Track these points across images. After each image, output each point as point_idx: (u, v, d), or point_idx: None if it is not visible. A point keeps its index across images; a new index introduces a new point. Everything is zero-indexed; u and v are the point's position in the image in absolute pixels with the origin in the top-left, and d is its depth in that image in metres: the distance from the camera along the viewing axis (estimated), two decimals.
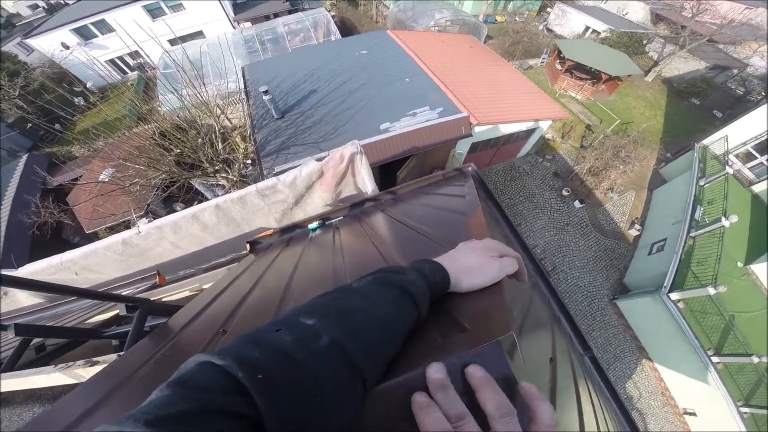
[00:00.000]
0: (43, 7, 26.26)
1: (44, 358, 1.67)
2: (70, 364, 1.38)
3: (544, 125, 12.66)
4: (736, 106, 18.24)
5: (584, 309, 11.40)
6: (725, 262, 9.95)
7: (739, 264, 10.54)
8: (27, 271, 2.61)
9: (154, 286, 2.57)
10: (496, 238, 2.12)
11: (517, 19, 25.71)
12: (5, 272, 2.47)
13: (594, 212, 13.42)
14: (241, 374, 0.37)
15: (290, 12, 20.77)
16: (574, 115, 16.57)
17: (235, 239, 2.94)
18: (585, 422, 1.34)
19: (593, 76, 17.54)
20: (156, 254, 2.85)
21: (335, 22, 18.54)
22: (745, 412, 8.60)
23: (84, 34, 18.66)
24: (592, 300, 11.56)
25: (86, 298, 2.11)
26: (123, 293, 2.60)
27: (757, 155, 12.35)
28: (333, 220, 2.29)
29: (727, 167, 11.51)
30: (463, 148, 11.37)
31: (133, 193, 8.17)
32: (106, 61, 19.79)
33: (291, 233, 2.37)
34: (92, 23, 18.26)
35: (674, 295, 9.41)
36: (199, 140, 7.56)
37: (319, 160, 2.50)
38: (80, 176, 11.13)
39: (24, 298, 2.99)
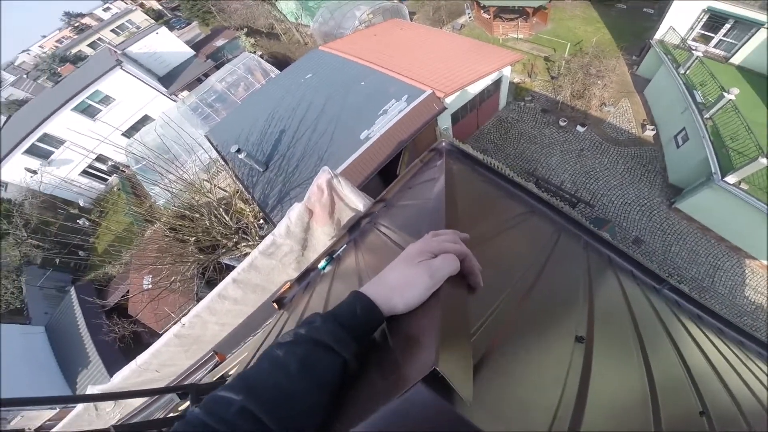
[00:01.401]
0: None
1: None
2: None
3: (507, 72, 12.60)
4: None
5: (647, 225, 10.67)
6: (758, 131, 9.24)
7: None
8: (118, 379, 2.86)
9: (217, 365, 2.83)
10: (493, 201, 2.09)
11: None
12: (91, 388, 2.78)
13: (601, 129, 13.11)
14: None
15: (217, 68, 20.34)
16: (527, 53, 16.43)
17: (268, 301, 3.04)
18: (653, 365, 1.27)
19: (520, 13, 17.49)
20: (210, 336, 3.02)
21: (266, 60, 18.52)
22: None
23: (38, 153, 17.85)
24: (651, 213, 10.86)
25: (143, 396, 2.35)
26: (197, 377, 2.88)
27: (711, 34, 12.32)
28: (338, 251, 2.34)
29: (693, 52, 11.31)
30: (445, 122, 11.33)
31: (176, 289, 8.51)
32: (80, 174, 19.15)
33: (307, 279, 2.45)
34: (37, 140, 17.38)
35: (730, 179, 8.75)
36: (206, 222, 7.77)
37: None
38: (127, 290, 11.73)
39: (133, 401, 3.30)
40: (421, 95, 9.64)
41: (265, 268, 2.75)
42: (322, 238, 2.75)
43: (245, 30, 24.45)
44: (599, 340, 1.14)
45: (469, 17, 20.18)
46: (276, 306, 2.51)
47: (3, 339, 11.01)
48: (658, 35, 13.25)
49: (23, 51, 44.25)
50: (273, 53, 22.73)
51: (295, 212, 2.41)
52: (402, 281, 0.62)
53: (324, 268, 2.29)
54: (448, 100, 9.98)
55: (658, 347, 1.54)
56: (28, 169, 17.81)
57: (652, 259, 9.98)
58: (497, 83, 12.82)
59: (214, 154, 11.22)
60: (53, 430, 3.16)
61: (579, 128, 12.96)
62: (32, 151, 17.74)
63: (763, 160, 7.89)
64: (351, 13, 18.88)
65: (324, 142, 9.56)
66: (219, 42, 23.80)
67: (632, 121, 13.17)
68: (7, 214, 16.74)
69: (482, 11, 18.51)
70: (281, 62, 20.76)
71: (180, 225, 7.61)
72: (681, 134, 11.08)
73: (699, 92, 10.72)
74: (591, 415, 0.77)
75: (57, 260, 16.07)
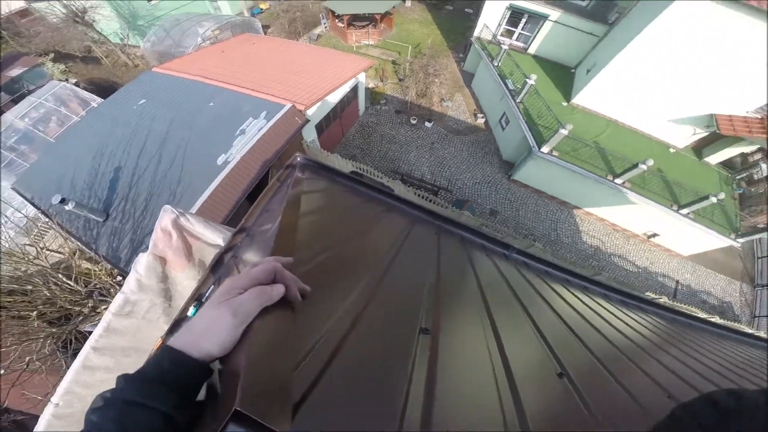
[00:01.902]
0: None
1: None
2: None
3: (362, 78, 13.28)
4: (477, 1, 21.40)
5: (496, 197, 12.59)
6: (555, 108, 11.74)
7: (564, 104, 12.74)
8: None
9: None
10: (350, 207, 2.18)
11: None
12: None
13: (444, 123, 14.99)
14: None
15: (14, 101, 16.01)
16: (377, 59, 17.71)
17: None
18: (504, 338, 1.33)
19: (370, 20, 18.87)
20: None
21: (84, 88, 15.78)
22: (683, 212, 9.95)
23: None
24: (496, 187, 12.88)
25: None
26: None
27: (513, 29, 15.11)
28: (206, 293, 2.23)
29: (501, 46, 13.63)
30: (310, 135, 11.40)
31: (38, 369, 6.71)
32: None
33: (177, 330, 2.30)
34: None
35: (545, 149, 10.76)
36: (46, 291, 6.32)
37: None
38: None
39: None
40: (280, 110, 9.44)
41: (128, 329, 2.44)
42: (187, 283, 2.54)
43: (52, 55, 20.23)
44: (446, 327, 1.17)
45: (325, 27, 20.59)
46: None
47: None
48: (476, 33, 15.50)
49: None
50: (92, 80, 19.35)
51: (142, 264, 2.18)
52: (206, 326, 0.60)
53: (194, 314, 2.17)
54: (309, 112, 10.06)
55: (509, 318, 1.62)
56: None
57: (508, 224, 11.89)
58: (355, 90, 13.37)
59: (33, 210, 8.97)
60: None
61: (427, 124, 14.64)
62: None
63: (562, 131, 9.95)
64: (192, 30, 17.03)
65: (174, 175, 8.34)
66: (15, 71, 19.06)
67: (466, 112, 15.47)
68: None
69: (337, 20, 19.08)
70: (105, 89, 17.67)
71: (10, 301, 6.04)
72: (503, 118, 13.35)
73: (510, 80, 12.99)
74: (443, 405, 0.79)
75: None
